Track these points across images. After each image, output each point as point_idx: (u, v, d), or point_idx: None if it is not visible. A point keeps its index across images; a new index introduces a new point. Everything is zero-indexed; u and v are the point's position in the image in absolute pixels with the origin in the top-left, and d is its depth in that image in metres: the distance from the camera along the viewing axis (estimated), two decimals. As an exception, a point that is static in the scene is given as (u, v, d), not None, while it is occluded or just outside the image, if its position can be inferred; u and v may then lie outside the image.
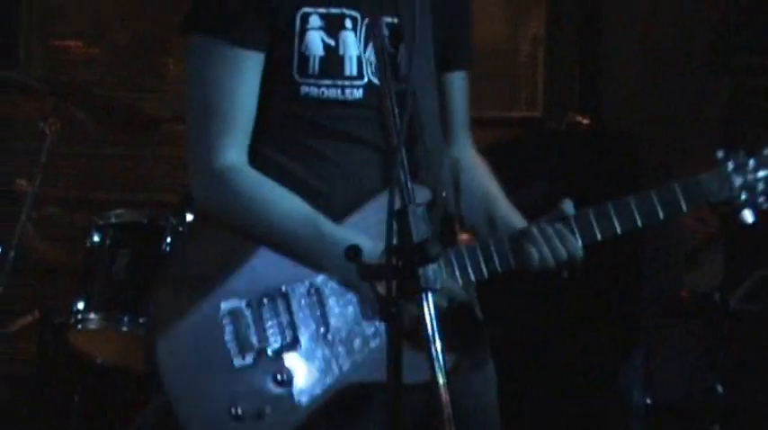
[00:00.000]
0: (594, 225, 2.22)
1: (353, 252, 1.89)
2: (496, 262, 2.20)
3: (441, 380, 1.81)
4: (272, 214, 2.22)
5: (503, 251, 2.20)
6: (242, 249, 2.21)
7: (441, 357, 1.82)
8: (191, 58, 2.26)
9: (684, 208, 2.23)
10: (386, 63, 2.16)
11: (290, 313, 2.18)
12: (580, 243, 2.21)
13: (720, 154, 2.28)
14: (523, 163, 4.30)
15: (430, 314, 1.83)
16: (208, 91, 2.24)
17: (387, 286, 1.84)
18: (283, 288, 2.19)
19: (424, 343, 1.83)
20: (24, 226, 3.67)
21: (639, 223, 2.22)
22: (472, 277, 2.20)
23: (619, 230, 2.22)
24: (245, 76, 2.23)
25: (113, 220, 3.51)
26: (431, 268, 1.83)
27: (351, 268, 1.95)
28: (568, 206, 2.22)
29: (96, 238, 3.48)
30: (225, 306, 2.17)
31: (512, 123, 5.23)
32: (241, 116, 2.24)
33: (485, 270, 2.21)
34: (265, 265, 2.21)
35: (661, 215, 2.24)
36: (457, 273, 2.20)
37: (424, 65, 2.27)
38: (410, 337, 1.88)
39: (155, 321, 2.24)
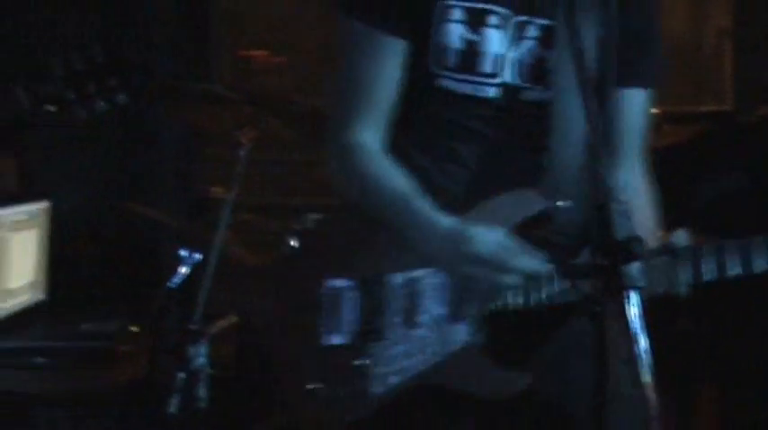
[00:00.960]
0: (709, 261, 2.09)
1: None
2: None
3: (647, 380, 1.78)
4: (379, 193, 2.26)
5: None
6: (358, 232, 2.29)
7: (646, 358, 1.79)
8: (340, 39, 2.33)
9: None
10: (530, 65, 2.15)
11: (382, 303, 2.22)
12: (687, 279, 2.10)
13: None
14: (717, 156, 4.22)
15: (634, 313, 1.79)
16: (350, 71, 2.32)
17: (592, 284, 1.84)
18: (383, 276, 2.22)
19: (627, 342, 1.82)
20: (222, 232, 3.77)
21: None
22: None
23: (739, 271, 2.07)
24: (385, 61, 2.26)
25: (309, 225, 3.57)
26: (635, 266, 1.81)
27: (443, 252, 2.08)
28: (680, 237, 2.13)
29: (293, 243, 3.54)
30: (330, 284, 2.25)
31: (700, 118, 5.13)
32: (378, 99, 2.29)
33: None
34: (373, 252, 2.26)
35: None
36: None
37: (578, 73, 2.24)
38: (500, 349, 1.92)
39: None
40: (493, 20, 2.22)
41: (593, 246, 1.83)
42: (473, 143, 2.26)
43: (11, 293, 3.67)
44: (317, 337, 2.24)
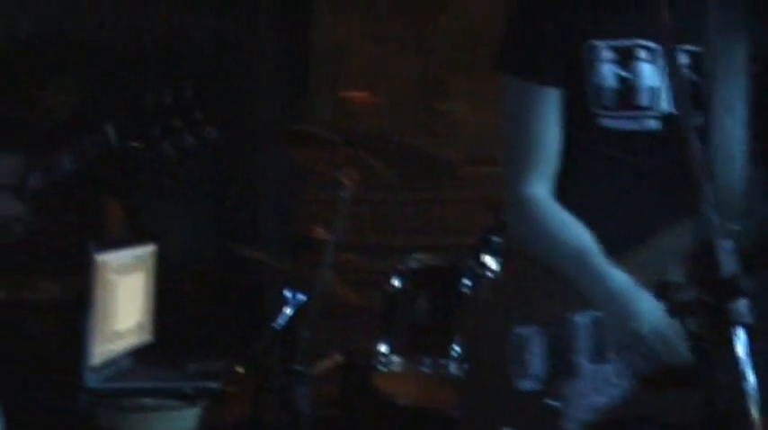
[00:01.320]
0: None
1: (663, 288, 1.90)
2: None
3: (755, 416, 1.76)
4: (557, 247, 2.29)
5: None
6: (540, 276, 2.30)
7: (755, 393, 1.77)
8: (502, 95, 2.38)
9: None
10: (684, 93, 2.13)
11: (573, 341, 2.24)
12: None
13: None
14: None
15: (742, 349, 1.78)
16: (514, 126, 2.38)
17: (697, 322, 1.82)
18: (571, 316, 2.25)
19: (736, 377, 1.80)
20: (326, 272, 3.78)
21: None
22: None
23: None
24: (546, 112, 2.32)
25: (413, 265, 3.58)
26: (741, 302, 1.79)
27: (612, 305, 2.14)
28: None
29: (397, 283, 3.55)
30: (517, 330, 2.26)
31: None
32: (544, 150, 2.34)
33: None
34: (558, 293, 2.27)
35: None
36: None
37: (731, 96, 2.24)
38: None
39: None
40: (642, 54, 2.28)
41: (699, 284, 1.81)
42: (635, 177, 2.31)
43: (119, 335, 3.73)
44: (507, 383, 2.27)
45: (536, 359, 2.25)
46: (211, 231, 5.62)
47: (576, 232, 2.29)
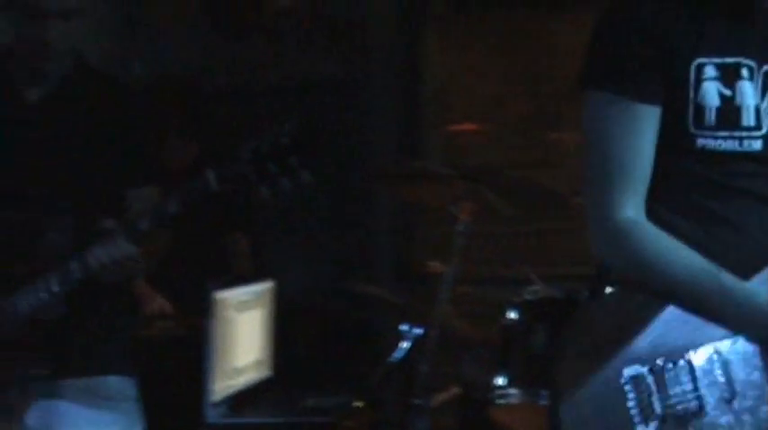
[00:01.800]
0: None
1: None
2: None
3: None
4: (672, 268, 2.17)
5: None
6: (643, 311, 2.18)
7: None
8: (588, 113, 2.26)
9: None
10: None
11: (694, 379, 2.13)
12: None
13: None
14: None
15: None
16: (606, 146, 2.22)
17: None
18: (686, 352, 2.13)
19: None
20: (442, 306, 3.79)
21: None
22: None
23: None
24: (644, 130, 2.20)
25: (528, 297, 3.57)
26: None
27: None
28: None
29: (513, 315, 3.54)
30: (627, 372, 2.13)
31: None
32: (639, 171, 2.21)
33: None
34: (667, 328, 2.16)
35: None
36: None
37: None
38: None
39: (558, 389, 2.22)
40: (745, 72, 2.22)
41: None
42: (738, 200, 2.22)
43: (238, 371, 3.77)
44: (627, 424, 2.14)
45: (655, 401, 2.12)
46: (328, 267, 5.67)
47: (690, 253, 2.18)
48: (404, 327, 3.90)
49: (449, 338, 3.90)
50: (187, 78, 5.41)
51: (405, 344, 3.88)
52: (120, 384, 3.05)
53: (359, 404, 3.79)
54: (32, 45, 2.87)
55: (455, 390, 4.05)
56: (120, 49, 6.47)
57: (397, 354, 3.88)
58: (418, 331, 3.87)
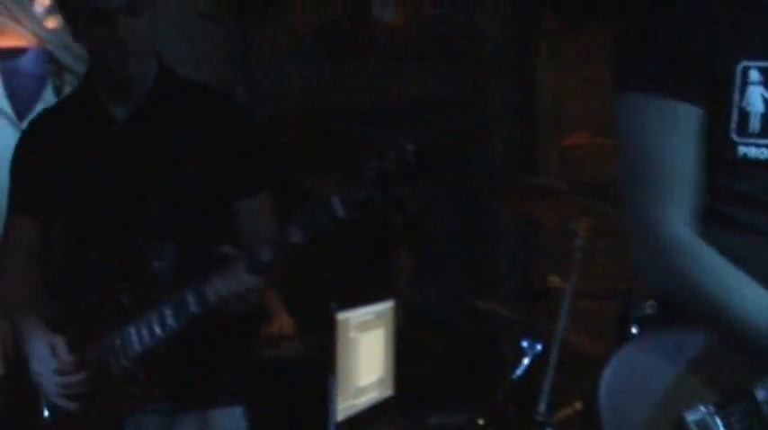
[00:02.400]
0: None
1: None
2: None
3: None
4: (728, 298, 2.00)
5: None
6: (697, 344, 2.05)
7: None
8: (625, 117, 2.15)
9: None
10: None
11: (761, 417, 1.98)
12: None
13: None
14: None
15: None
16: (648, 151, 2.09)
17: None
18: (752, 390, 1.99)
19: None
20: (562, 321, 3.78)
21: None
22: None
23: None
24: (688, 132, 2.07)
25: (649, 311, 3.53)
26: None
27: None
28: None
29: (634, 330, 3.51)
30: (691, 417, 2.00)
31: None
32: (685, 177, 2.07)
33: None
34: (728, 364, 2.01)
35: None
36: None
37: None
38: None
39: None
40: None
41: None
42: None
43: (361, 391, 3.81)
44: None
45: None
46: (450, 284, 5.69)
47: (747, 281, 2.01)
48: (525, 344, 3.90)
49: (570, 354, 3.89)
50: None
51: (526, 361, 3.88)
52: (232, 417, 2.97)
53: (482, 421, 3.80)
54: (105, 45, 2.73)
55: (577, 406, 4.03)
56: (234, 73, 6.60)
57: (519, 371, 3.88)
58: (539, 347, 3.86)
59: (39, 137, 2.99)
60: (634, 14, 2.19)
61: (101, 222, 2.85)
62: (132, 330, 2.69)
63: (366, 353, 3.85)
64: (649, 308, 3.55)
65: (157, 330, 2.65)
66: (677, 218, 2.06)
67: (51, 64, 5.54)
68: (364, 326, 3.84)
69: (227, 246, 2.58)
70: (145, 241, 2.78)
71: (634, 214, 2.12)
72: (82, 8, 2.70)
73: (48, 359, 2.77)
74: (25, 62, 5.51)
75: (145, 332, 2.67)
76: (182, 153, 2.83)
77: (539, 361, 3.85)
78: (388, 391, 4.05)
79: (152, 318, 2.65)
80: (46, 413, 2.80)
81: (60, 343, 2.79)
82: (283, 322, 4.79)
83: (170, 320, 2.63)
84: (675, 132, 2.07)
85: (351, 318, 3.74)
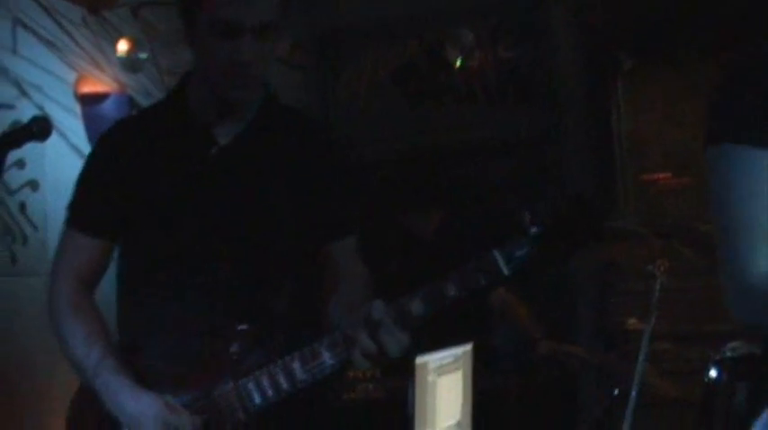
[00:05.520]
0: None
1: None
2: None
3: None
4: None
5: None
6: None
7: None
8: (721, 169, 2.13)
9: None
10: None
11: None
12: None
13: None
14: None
15: None
16: (745, 200, 2.08)
17: None
18: None
19: None
20: (641, 364, 3.76)
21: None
22: None
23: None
24: None
25: (729, 354, 3.50)
26: None
27: None
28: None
29: (713, 373, 3.49)
30: None
31: None
32: None
33: None
34: None
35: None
36: None
37: None
38: None
39: None
40: None
41: None
42: None
43: (440, 433, 3.82)
44: None
45: None
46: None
47: None
48: (604, 386, 3.88)
49: (649, 396, 3.86)
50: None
51: (605, 403, 3.86)
52: None
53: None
54: (226, 62, 2.55)
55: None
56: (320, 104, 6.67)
57: (598, 413, 3.86)
58: (618, 390, 3.85)
59: (120, 146, 2.75)
60: (725, 67, 2.21)
61: (192, 248, 2.63)
62: (251, 384, 2.50)
63: (444, 396, 3.86)
64: (730, 351, 3.54)
65: (284, 384, 2.48)
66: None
67: (133, 108, 5.66)
68: (442, 370, 3.85)
69: (377, 304, 2.36)
70: (259, 276, 2.61)
71: (725, 259, 2.14)
72: (215, 18, 2.52)
73: (167, 420, 2.49)
74: (107, 107, 5.64)
75: (267, 384, 2.49)
76: (283, 183, 2.67)
77: (617, 403, 3.83)
78: (466, 435, 4.04)
79: (276, 371, 2.48)
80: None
81: (171, 400, 2.53)
82: None
83: (300, 374, 2.46)
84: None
85: (429, 361, 3.75)
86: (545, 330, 4.94)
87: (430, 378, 3.75)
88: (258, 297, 2.60)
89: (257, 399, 2.50)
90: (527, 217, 2.35)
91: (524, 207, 2.38)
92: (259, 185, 2.66)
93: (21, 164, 5.47)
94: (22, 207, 5.57)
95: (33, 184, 5.59)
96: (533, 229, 2.34)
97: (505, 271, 2.35)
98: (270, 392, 2.49)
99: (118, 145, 2.77)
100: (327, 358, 2.43)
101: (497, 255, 2.35)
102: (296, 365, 2.45)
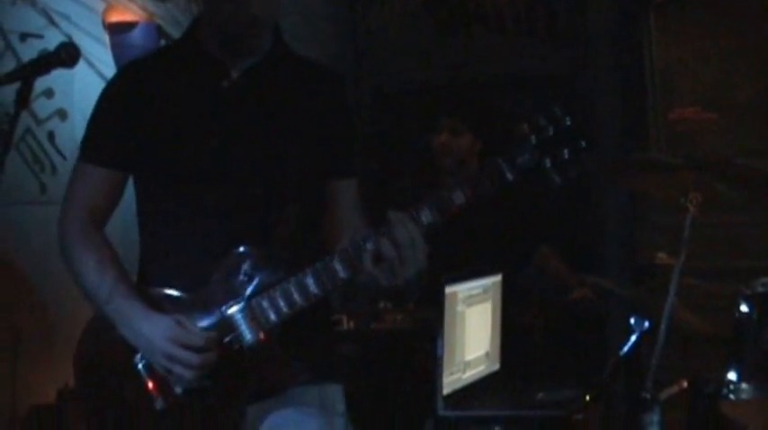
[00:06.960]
0: None
1: None
2: None
3: None
4: None
5: None
6: None
7: None
8: None
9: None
10: None
11: None
12: None
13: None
14: None
15: None
16: None
17: None
18: None
19: None
20: (671, 298, 3.74)
21: None
22: None
23: None
24: None
25: (760, 289, 3.49)
26: None
27: None
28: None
29: (744, 308, 3.48)
30: None
31: None
32: None
33: None
34: None
35: None
36: None
37: None
38: None
39: None
40: None
41: None
42: None
43: (468, 364, 3.83)
44: None
45: None
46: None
47: None
48: (633, 320, 3.87)
49: (678, 331, 3.86)
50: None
51: (633, 338, 3.86)
52: (337, 394, 2.84)
53: (588, 397, 3.79)
54: (236, 17, 2.64)
55: (684, 384, 4.00)
56: (342, 48, 6.64)
57: (626, 348, 3.86)
58: (647, 324, 3.84)
59: (134, 81, 2.81)
60: None
61: (204, 177, 2.70)
62: (265, 302, 2.56)
63: (473, 327, 3.87)
64: (761, 286, 3.52)
65: (298, 299, 2.53)
66: None
67: (161, 37, 5.64)
68: (471, 300, 3.86)
69: (392, 212, 2.44)
70: (266, 202, 2.67)
71: None
72: None
73: (179, 337, 2.54)
74: (135, 36, 5.62)
75: (282, 302, 2.55)
76: (290, 120, 2.75)
77: (646, 338, 3.82)
78: (494, 366, 4.06)
79: (289, 287, 2.53)
80: (178, 389, 2.60)
81: (184, 319, 2.58)
82: None
83: (313, 289, 2.51)
84: None
85: (458, 291, 3.75)
86: (579, 278, 4.93)
87: (459, 307, 3.76)
88: (265, 219, 2.65)
89: (272, 316, 2.56)
90: (526, 127, 2.47)
91: (523, 119, 2.48)
92: (268, 117, 2.74)
93: (49, 93, 5.48)
94: (51, 136, 5.58)
95: (62, 114, 5.59)
96: (533, 137, 2.46)
97: (509, 176, 2.46)
98: (285, 309, 2.54)
99: (130, 80, 2.83)
100: (340, 270, 2.49)
101: (501, 161, 2.46)
102: (309, 281, 2.52)
